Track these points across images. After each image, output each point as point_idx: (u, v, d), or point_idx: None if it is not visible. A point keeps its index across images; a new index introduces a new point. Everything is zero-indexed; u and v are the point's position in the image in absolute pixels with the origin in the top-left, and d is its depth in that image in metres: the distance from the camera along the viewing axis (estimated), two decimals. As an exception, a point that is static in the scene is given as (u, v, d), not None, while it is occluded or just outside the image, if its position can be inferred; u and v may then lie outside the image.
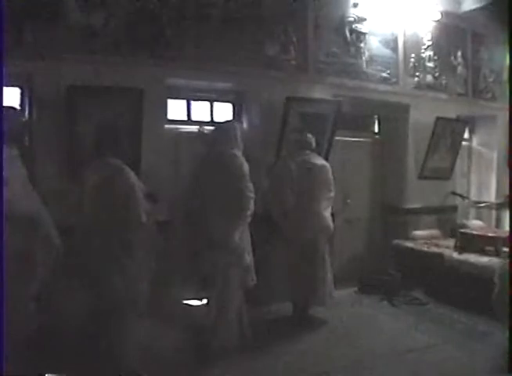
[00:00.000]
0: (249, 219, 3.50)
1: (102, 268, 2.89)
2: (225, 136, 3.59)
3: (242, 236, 3.49)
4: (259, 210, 3.68)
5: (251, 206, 3.47)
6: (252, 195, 3.47)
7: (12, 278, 2.17)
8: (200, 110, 4.62)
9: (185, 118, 4.54)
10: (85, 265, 2.92)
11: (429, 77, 5.77)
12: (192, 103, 4.56)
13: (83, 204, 3.06)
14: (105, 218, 2.91)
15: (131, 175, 3.01)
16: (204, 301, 3.68)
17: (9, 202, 2.18)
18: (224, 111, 4.72)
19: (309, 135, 4.18)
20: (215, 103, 4.67)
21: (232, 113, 4.73)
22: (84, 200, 3.05)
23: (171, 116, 4.39)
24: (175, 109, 4.46)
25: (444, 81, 5.91)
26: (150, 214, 3.07)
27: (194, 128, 4.46)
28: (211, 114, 4.66)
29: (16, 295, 2.24)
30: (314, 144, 4.20)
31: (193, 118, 4.57)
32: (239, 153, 3.57)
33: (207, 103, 4.64)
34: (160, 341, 3.38)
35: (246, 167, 3.51)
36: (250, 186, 3.48)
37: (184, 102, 4.53)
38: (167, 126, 4.25)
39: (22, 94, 3.72)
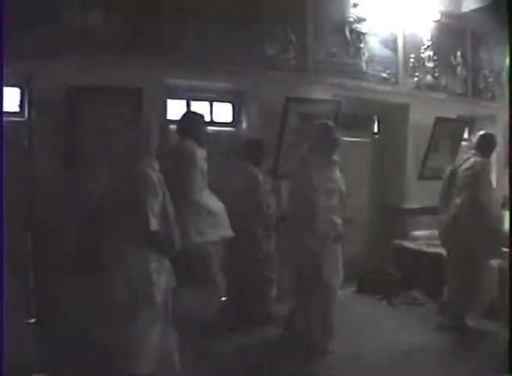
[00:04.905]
0: None
1: None
2: None
3: None
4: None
5: None
6: None
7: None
8: (200, 110, 4.62)
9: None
10: None
11: (429, 78, 5.78)
12: (192, 102, 4.57)
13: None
14: None
15: None
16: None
17: None
18: (224, 111, 4.72)
19: None
20: (215, 103, 4.68)
21: (231, 114, 4.74)
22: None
23: (170, 116, 4.39)
24: (175, 109, 4.46)
25: (444, 82, 5.92)
26: None
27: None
28: (211, 114, 4.67)
29: None
30: None
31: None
32: None
33: (207, 103, 4.65)
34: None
35: None
36: None
37: (184, 102, 4.53)
38: (166, 126, 4.25)
39: (22, 94, 3.72)
